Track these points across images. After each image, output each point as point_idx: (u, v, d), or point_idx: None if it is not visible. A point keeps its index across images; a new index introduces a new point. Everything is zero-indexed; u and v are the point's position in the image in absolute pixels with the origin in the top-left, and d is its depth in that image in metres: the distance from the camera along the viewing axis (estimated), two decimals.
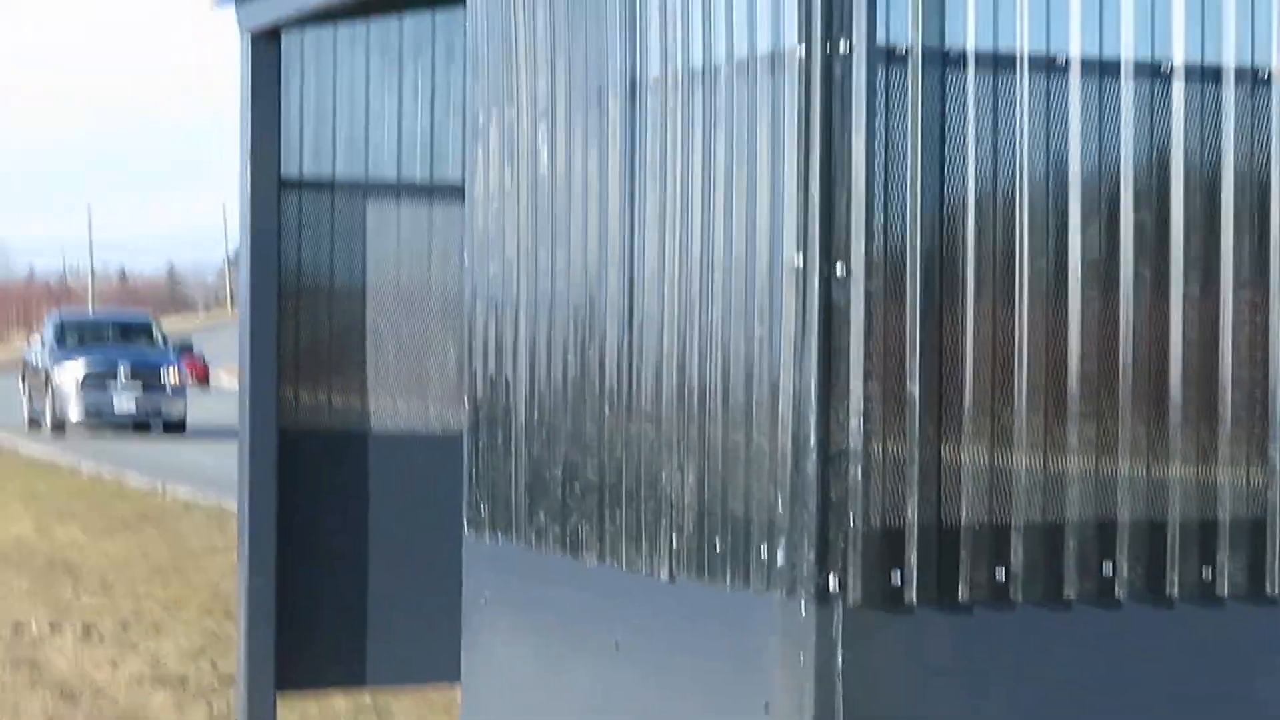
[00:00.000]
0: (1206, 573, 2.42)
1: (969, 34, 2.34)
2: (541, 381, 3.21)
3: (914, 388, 2.30)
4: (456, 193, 3.79)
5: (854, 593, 2.26)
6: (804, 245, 2.27)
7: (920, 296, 2.30)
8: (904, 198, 2.30)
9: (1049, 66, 2.38)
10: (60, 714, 7.07)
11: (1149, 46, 2.43)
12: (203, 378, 47.31)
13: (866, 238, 2.26)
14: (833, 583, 2.26)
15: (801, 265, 2.27)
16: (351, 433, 4.36)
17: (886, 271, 2.28)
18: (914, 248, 2.30)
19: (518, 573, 3.43)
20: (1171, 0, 2.44)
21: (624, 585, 2.99)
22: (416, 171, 4.32)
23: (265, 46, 4.15)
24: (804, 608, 2.28)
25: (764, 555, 2.40)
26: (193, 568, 12.02)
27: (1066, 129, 2.39)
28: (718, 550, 2.58)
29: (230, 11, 4.15)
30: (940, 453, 2.33)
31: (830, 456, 2.25)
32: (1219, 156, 2.48)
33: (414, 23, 4.21)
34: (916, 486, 2.28)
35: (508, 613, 3.45)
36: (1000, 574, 2.33)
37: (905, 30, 2.30)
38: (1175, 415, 2.42)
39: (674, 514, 2.76)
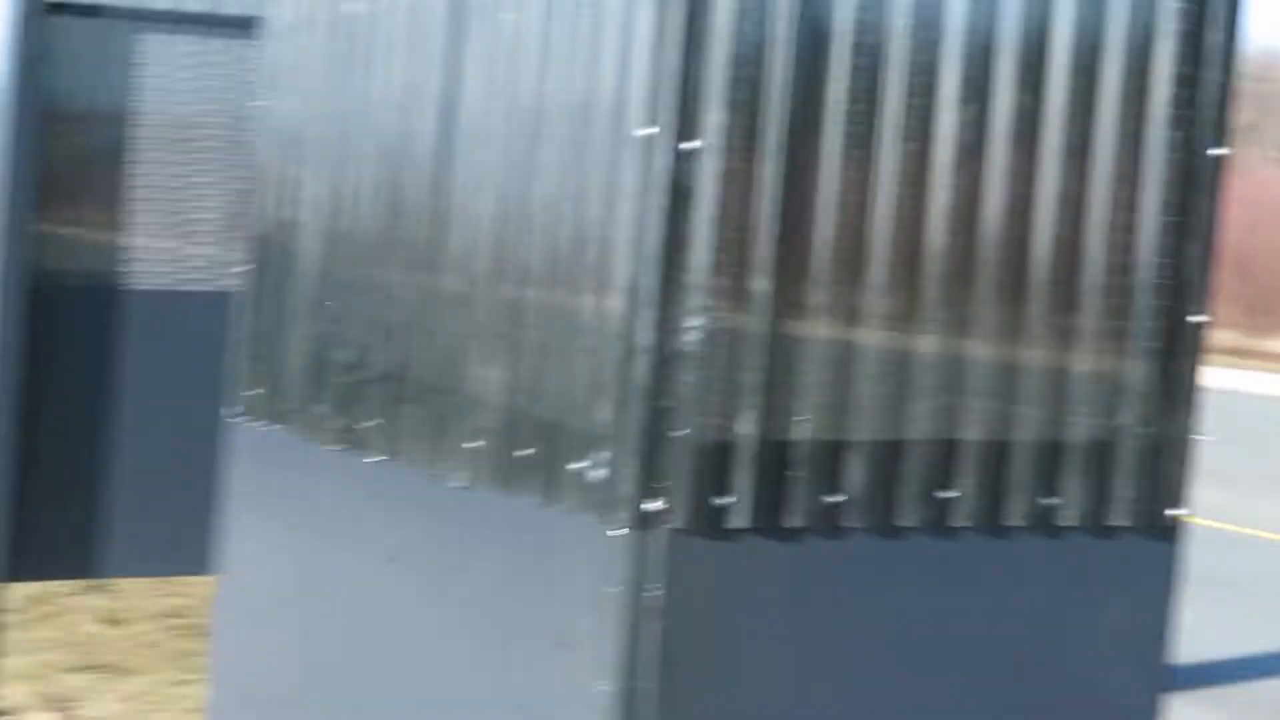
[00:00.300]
0: (1047, 501, 2.23)
1: None
2: (335, 244, 2.82)
3: (765, 285, 2.02)
4: (240, 24, 3.61)
5: (679, 516, 2.00)
6: (655, 113, 1.96)
7: (782, 180, 2.01)
8: (772, 67, 2.00)
9: None
10: None
11: None
12: None
13: (730, 109, 1.96)
14: (656, 505, 1.99)
15: (651, 136, 1.96)
16: (110, 285, 3.97)
17: (745, 150, 1.99)
18: (780, 123, 2.00)
19: (287, 462, 3.05)
20: None
21: (408, 489, 2.66)
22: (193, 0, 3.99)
23: None
24: (620, 532, 2.01)
25: (578, 469, 2.11)
26: None
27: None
28: (524, 458, 2.28)
29: None
30: (785, 362, 2.06)
31: (664, 360, 1.97)
32: (1099, 38, 2.23)
33: None
34: (758, 400, 2.01)
35: (273, 506, 3.09)
36: (836, 498, 2.09)
37: None
38: (1030, 327, 2.20)
39: (477, 413, 2.44)
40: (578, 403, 2.11)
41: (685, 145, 1.95)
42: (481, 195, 2.34)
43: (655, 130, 1.96)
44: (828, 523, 2.09)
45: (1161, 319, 2.27)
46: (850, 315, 2.10)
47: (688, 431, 1.98)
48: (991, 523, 2.19)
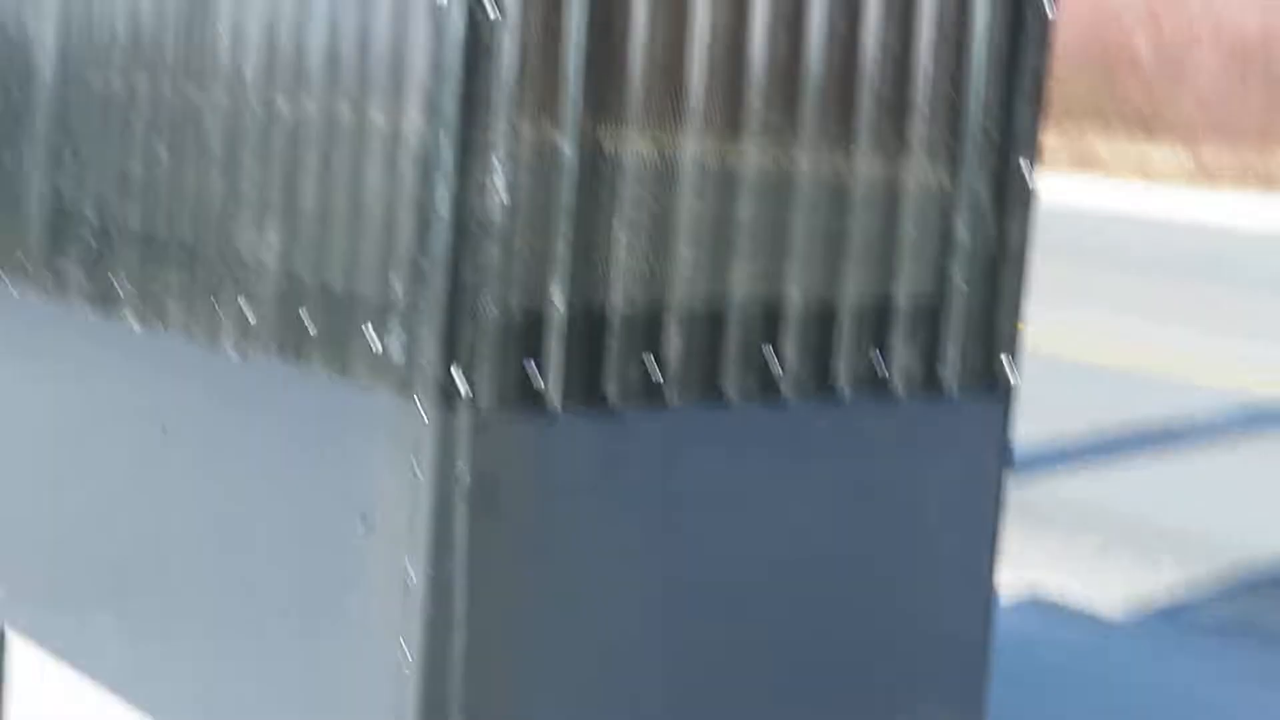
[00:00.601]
0: (878, 362, 2.11)
1: None
2: (72, 68, 2.48)
3: (568, 148, 1.79)
4: None
5: (485, 393, 1.80)
6: None
7: (586, 27, 1.77)
8: None
9: None
10: None
11: None
12: None
13: None
14: (459, 380, 1.81)
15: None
16: None
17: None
18: None
19: (32, 320, 2.75)
20: None
21: (177, 355, 2.36)
22: None
23: None
24: (422, 409, 1.82)
25: (371, 340, 1.90)
26: None
27: None
28: (309, 329, 2.03)
29: None
30: (592, 226, 1.85)
31: (464, 228, 1.75)
32: None
33: None
34: (565, 266, 1.81)
35: (16, 364, 2.82)
36: (654, 370, 1.93)
37: None
38: (855, 178, 2.02)
39: (249, 279, 2.15)
40: (369, 271, 1.87)
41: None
42: (253, 30, 2.03)
43: None
44: (647, 397, 1.92)
45: (989, 168, 2.13)
46: (666, 173, 1.89)
47: (492, 304, 1.77)
48: (820, 389, 2.06)
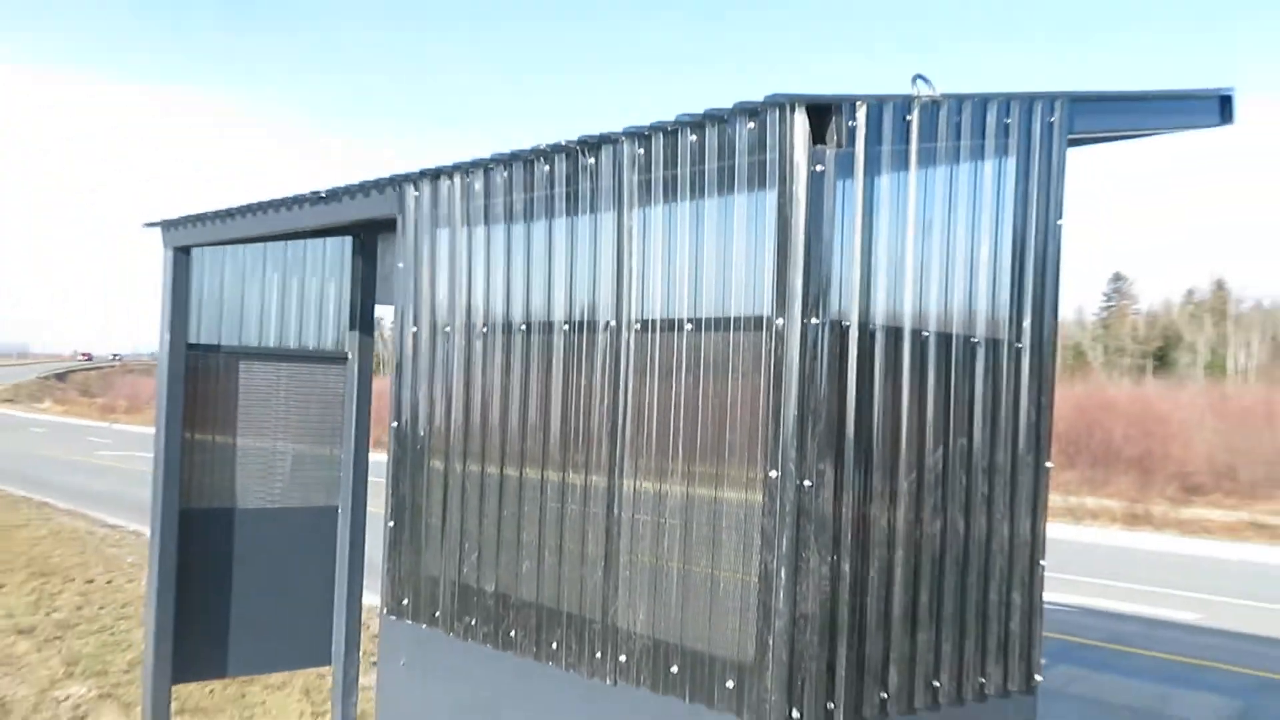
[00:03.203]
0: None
1: None
2: (467, 504, 3.97)
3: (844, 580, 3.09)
4: (300, 355, 6.35)
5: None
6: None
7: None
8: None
9: None
10: None
11: None
12: None
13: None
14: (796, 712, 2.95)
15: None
16: (227, 509, 6.10)
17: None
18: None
19: (437, 649, 4.03)
20: None
21: (558, 678, 3.44)
22: (273, 339, 6.27)
23: (181, 257, 5.83)
24: None
25: (727, 684, 3.05)
26: (6, 542, 15.31)
27: None
28: (674, 672, 3.15)
29: (158, 233, 5.86)
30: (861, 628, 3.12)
31: (794, 620, 2.97)
32: None
33: (274, 247, 6.21)
34: (851, 652, 3.08)
35: (423, 676, 4.09)
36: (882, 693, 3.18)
37: None
38: None
39: (619, 639, 3.31)
40: (727, 641, 3.06)
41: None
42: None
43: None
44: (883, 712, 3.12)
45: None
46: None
47: (807, 667, 2.95)
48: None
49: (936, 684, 3.22)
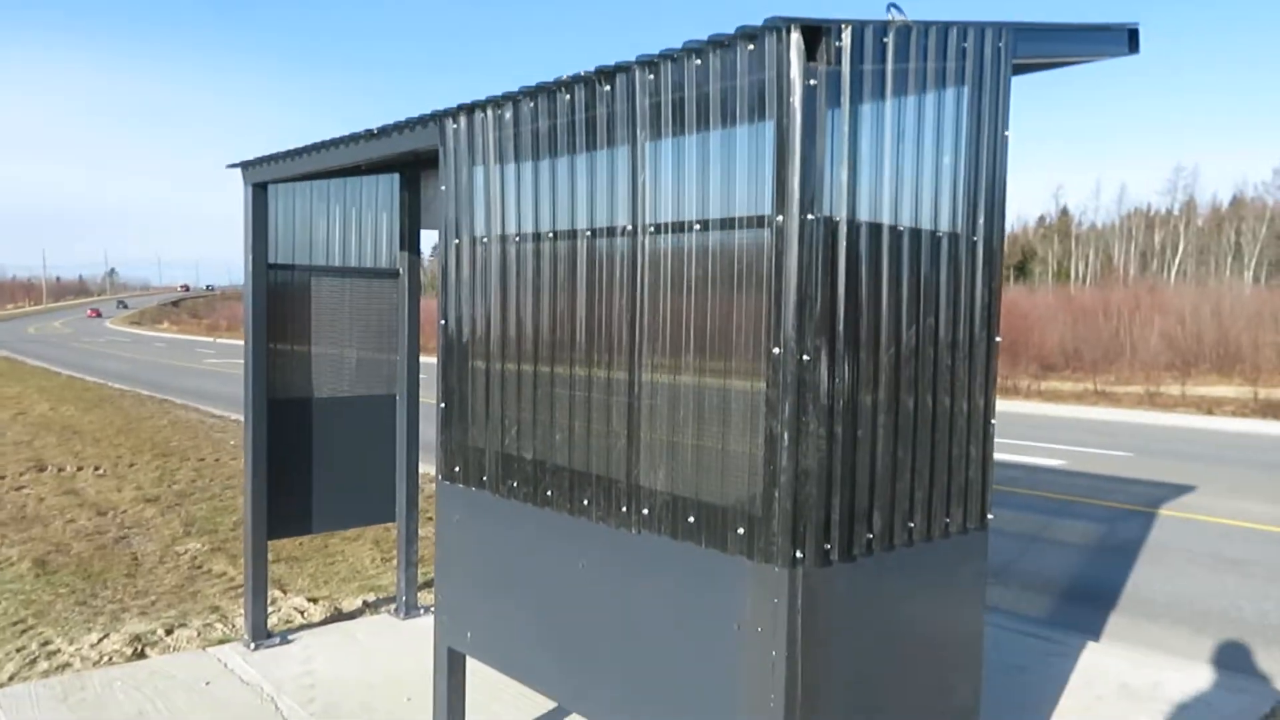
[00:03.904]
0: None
1: None
2: (506, 389, 3.49)
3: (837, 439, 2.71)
4: (360, 272, 5.90)
5: (809, 559, 2.67)
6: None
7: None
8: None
9: None
10: (102, 522, 8.75)
11: None
12: None
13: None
14: (798, 553, 2.65)
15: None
16: (305, 398, 5.70)
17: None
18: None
19: (485, 507, 3.69)
20: None
21: (590, 530, 3.15)
22: (337, 259, 5.82)
23: (259, 192, 5.36)
24: (778, 568, 2.67)
25: (738, 531, 2.73)
26: (137, 429, 15.27)
27: None
28: (690, 522, 2.72)
29: (239, 172, 5.47)
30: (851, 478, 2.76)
31: (796, 475, 2.64)
32: None
33: (335, 184, 5.79)
34: (842, 497, 2.75)
35: (473, 529, 3.74)
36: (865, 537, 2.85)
37: None
38: None
39: (642, 495, 3.00)
40: (735, 496, 2.74)
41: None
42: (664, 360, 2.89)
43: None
44: (868, 550, 2.82)
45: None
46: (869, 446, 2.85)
47: (810, 516, 2.64)
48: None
49: (911, 525, 2.92)
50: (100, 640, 5.53)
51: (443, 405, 3.81)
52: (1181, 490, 11.29)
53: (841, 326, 2.64)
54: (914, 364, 2.88)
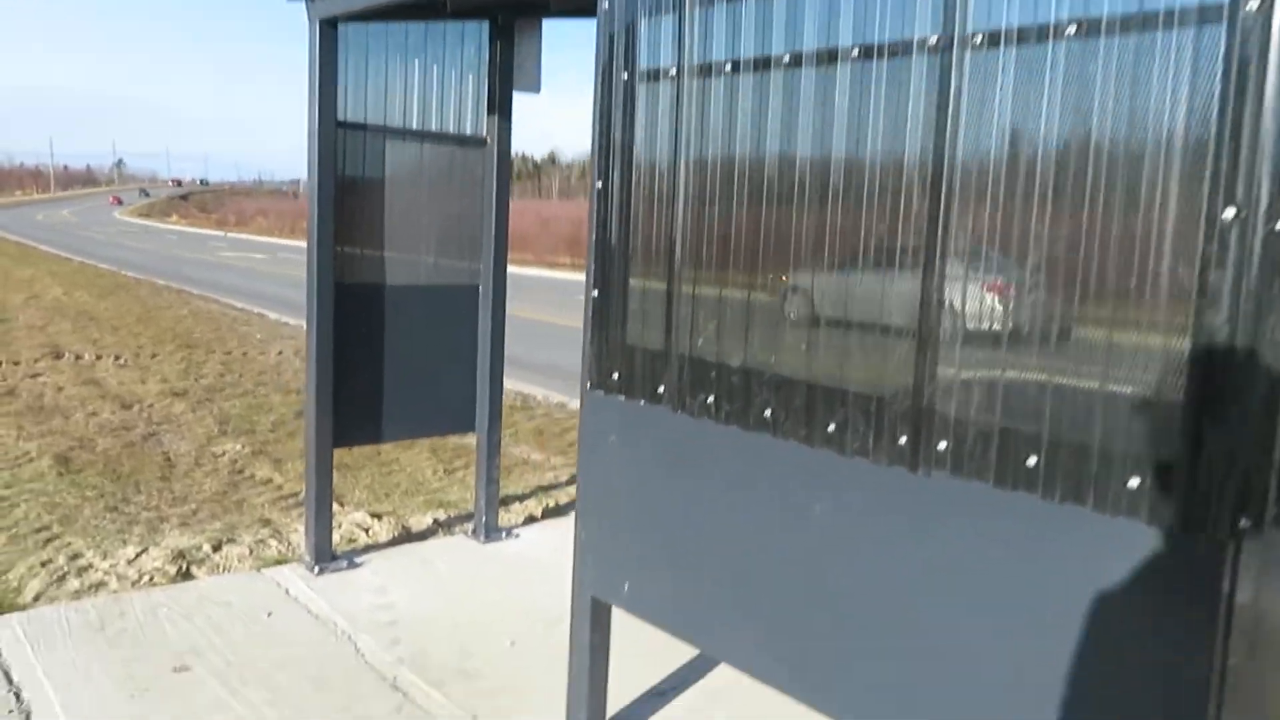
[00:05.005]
0: None
1: None
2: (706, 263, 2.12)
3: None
4: (441, 137, 4.86)
5: (1220, 525, 1.73)
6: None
7: None
8: None
9: None
10: (128, 416, 7.84)
11: None
12: None
13: None
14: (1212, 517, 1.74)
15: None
16: (377, 284, 4.75)
17: None
18: None
19: (658, 427, 2.78)
20: None
21: (836, 466, 2.13)
22: (415, 123, 4.77)
23: (327, 30, 4.37)
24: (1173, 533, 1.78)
25: (1130, 484, 1.81)
26: (156, 319, 14.16)
27: None
28: (1030, 465, 1.81)
29: (302, 6, 4.45)
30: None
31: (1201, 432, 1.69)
32: None
33: (416, 26, 4.74)
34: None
35: (638, 456, 2.85)
36: None
37: None
38: None
39: (938, 423, 2.11)
40: (1125, 430, 1.81)
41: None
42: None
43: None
44: None
45: None
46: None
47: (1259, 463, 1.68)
48: None
49: None
50: (138, 555, 4.72)
51: (595, 292, 2.90)
52: None
53: None
54: None
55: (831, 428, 2.31)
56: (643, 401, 2.80)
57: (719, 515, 2.60)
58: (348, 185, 4.56)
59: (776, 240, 2.39)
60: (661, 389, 2.74)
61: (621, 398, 2.86)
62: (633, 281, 2.80)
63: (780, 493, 2.43)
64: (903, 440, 2.17)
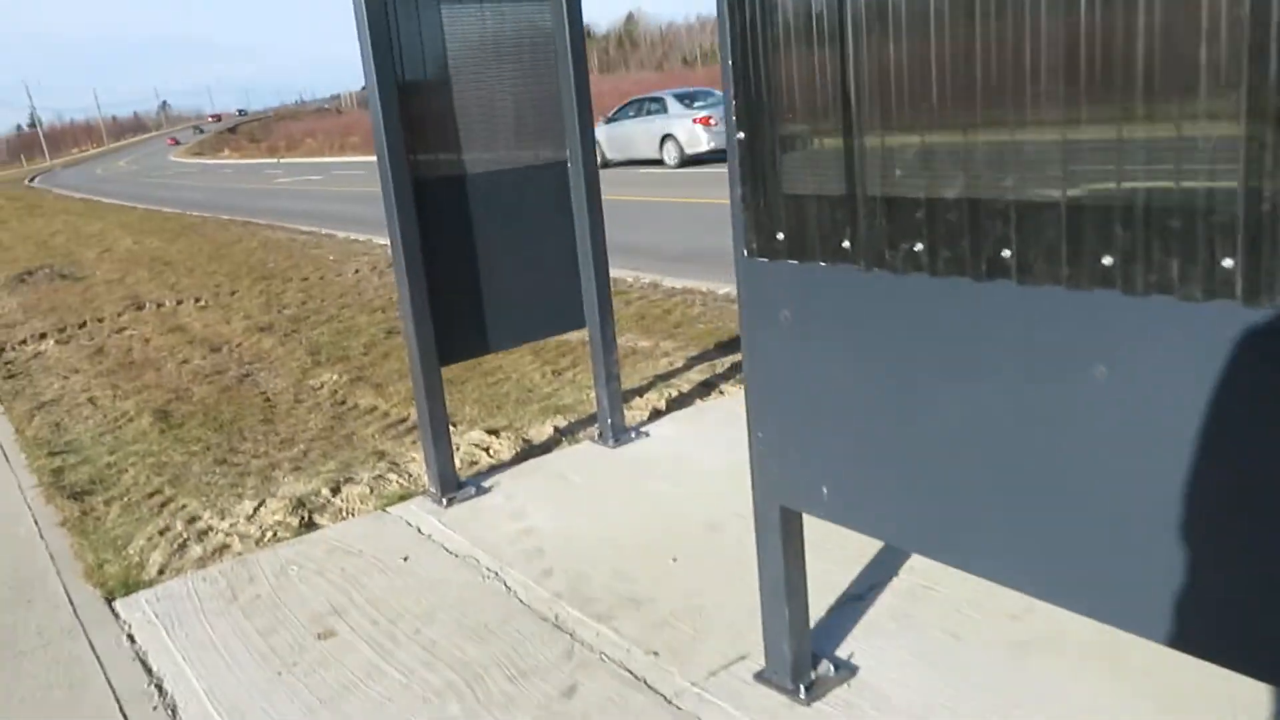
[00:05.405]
0: None
1: None
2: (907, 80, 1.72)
3: None
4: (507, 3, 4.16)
5: None
6: None
7: None
8: None
9: None
10: (219, 360, 7.49)
11: None
12: None
13: None
14: None
15: None
16: (456, 176, 4.18)
17: None
18: None
19: (845, 294, 2.20)
20: None
21: (1104, 308, 1.54)
22: None
23: None
24: None
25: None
26: (228, 255, 13.90)
27: None
28: None
29: None
30: None
31: None
32: None
33: None
34: None
35: (823, 333, 2.28)
36: None
37: None
38: None
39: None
40: None
41: None
42: None
43: None
44: None
45: None
46: None
47: None
48: None
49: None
50: (256, 510, 4.41)
51: (740, 135, 2.29)
52: None
53: None
54: None
55: (1109, 260, 1.71)
56: (822, 264, 2.22)
57: (940, 397, 2.04)
58: (405, 57, 3.93)
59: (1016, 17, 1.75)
60: (847, 243, 2.15)
61: (793, 262, 2.29)
62: (793, 112, 2.18)
63: (1046, 353, 1.85)
64: (1228, 263, 1.56)
